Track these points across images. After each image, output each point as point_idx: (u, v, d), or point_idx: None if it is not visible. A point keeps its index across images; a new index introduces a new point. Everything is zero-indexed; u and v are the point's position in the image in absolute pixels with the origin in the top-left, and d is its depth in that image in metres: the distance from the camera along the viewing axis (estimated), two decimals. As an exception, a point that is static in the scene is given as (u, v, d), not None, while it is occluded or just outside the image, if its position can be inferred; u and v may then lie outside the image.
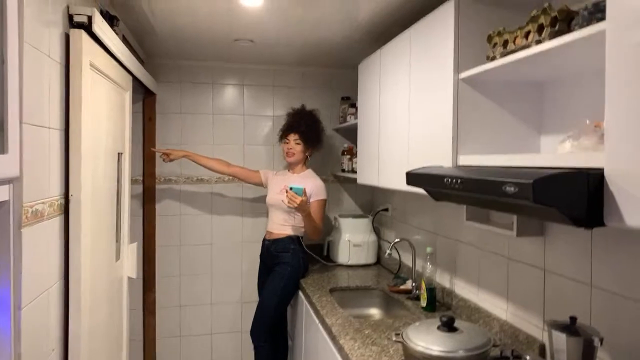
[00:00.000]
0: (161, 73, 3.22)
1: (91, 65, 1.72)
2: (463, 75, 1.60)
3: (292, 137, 2.90)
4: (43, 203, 1.42)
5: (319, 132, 3.00)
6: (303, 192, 2.58)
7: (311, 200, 2.75)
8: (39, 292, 1.41)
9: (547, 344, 1.30)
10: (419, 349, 1.37)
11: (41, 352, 1.43)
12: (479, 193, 1.19)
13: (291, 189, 2.57)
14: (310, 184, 2.79)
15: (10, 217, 1.24)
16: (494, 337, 1.48)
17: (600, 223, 0.99)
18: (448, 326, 1.43)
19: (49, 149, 1.48)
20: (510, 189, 1.03)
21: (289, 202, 2.58)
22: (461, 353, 1.34)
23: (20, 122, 1.25)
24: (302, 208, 2.60)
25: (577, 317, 1.27)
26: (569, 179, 0.97)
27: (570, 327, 1.20)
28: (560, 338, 1.18)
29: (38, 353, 1.41)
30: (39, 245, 1.40)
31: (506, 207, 1.29)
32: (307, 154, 2.96)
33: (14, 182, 1.25)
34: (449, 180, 1.31)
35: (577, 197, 0.97)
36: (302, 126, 2.91)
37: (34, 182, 1.36)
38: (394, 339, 1.53)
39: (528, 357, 1.57)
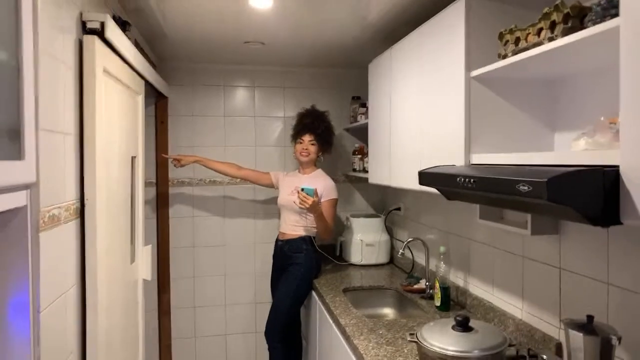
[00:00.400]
0: (173, 76, 3.25)
1: (104, 70, 1.75)
2: (474, 73, 1.60)
3: (307, 138, 2.91)
4: (59, 207, 1.44)
5: (332, 134, 3.04)
6: (314, 193, 2.58)
7: (322, 200, 2.75)
8: (57, 296, 1.43)
9: (564, 343, 1.29)
10: (434, 349, 1.36)
11: (60, 354, 1.45)
12: (492, 192, 1.18)
13: (302, 189, 2.58)
14: (321, 183, 2.80)
15: (28, 222, 1.26)
16: (509, 336, 1.47)
17: (617, 221, 0.98)
18: (463, 326, 1.42)
19: (64, 154, 1.50)
20: (524, 188, 1.02)
21: (300, 203, 2.59)
22: (477, 353, 1.33)
23: (36, 129, 1.27)
24: (314, 209, 2.61)
25: (594, 315, 1.26)
26: (584, 177, 0.96)
27: (587, 326, 1.19)
28: (577, 337, 1.17)
29: (57, 356, 1.43)
30: (56, 249, 1.43)
31: (520, 205, 1.28)
32: (319, 155, 2.97)
33: (31, 187, 1.27)
34: (462, 179, 1.30)
35: (593, 195, 0.96)
36: (319, 128, 2.93)
37: (50, 187, 1.38)
38: (408, 339, 1.53)
39: (545, 357, 1.56)
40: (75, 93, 1.60)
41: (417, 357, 1.50)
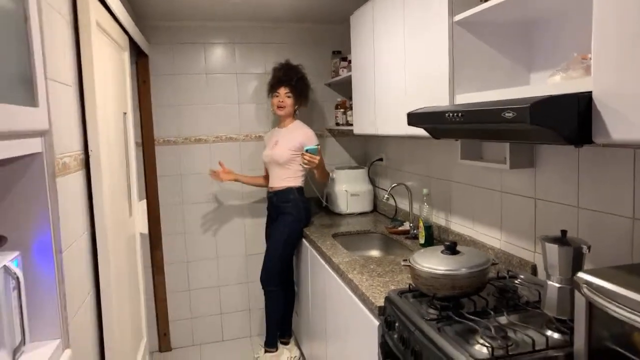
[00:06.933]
0: (152, 35, 3.22)
1: (97, 23, 1.77)
2: (457, 17, 1.69)
3: (283, 91, 2.98)
4: (69, 156, 1.50)
5: (308, 86, 3.12)
6: (318, 151, 2.70)
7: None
8: (72, 240, 1.51)
9: (541, 257, 1.45)
10: (426, 269, 1.51)
11: (80, 293, 1.55)
12: (479, 123, 1.31)
13: (307, 150, 2.69)
14: (302, 134, 2.91)
15: (44, 167, 1.32)
16: (492, 257, 1.63)
17: (589, 140, 1.11)
18: (451, 250, 1.57)
19: (67, 105, 1.54)
20: (509, 115, 1.15)
21: (308, 164, 2.71)
22: (464, 271, 1.48)
23: (45, 77, 1.32)
24: (320, 165, 2.77)
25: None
26: (562, 101, 1.09)
27: (562, 239, 1.35)
28: (553, 249, 1.33)
29: (78, 294, 1.52)
30: (68, 196, 1.49)
31: (504, 134, 1.41)
32: (295, 108, 3.05)
33: (45, 135, 1.32)
34: (450, 114, 1.42)
35: (569, 117, 1.09)
36: (293, 80, 2.99)
37: (59, 136, 1.44)
38: (402, 264, 1.68)
39: (522, 276, 1.75)
40: (72, 45, 1.63)
41: (410, 281, 1.66)
